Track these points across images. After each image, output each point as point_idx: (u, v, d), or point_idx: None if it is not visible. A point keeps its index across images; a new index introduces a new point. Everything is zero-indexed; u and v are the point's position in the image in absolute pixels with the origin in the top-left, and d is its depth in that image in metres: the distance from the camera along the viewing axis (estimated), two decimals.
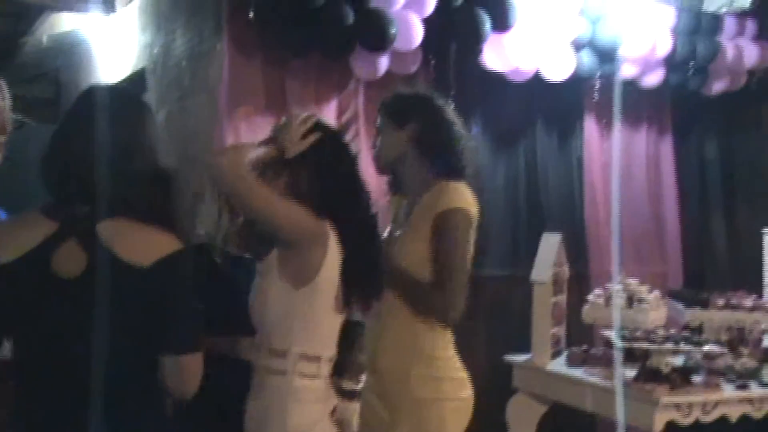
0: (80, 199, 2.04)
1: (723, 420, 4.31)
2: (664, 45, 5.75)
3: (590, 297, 4.96)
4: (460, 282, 2.77)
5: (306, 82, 4.96)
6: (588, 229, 6.14)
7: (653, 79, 6.00)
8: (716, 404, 4.25)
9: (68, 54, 7.57)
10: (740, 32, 6.19)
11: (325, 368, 2.48)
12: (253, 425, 2.48)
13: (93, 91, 2.19)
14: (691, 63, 5.95)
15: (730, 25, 6.12)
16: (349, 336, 2.67)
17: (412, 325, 2.81)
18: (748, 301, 4.98)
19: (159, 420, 2.18)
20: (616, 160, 6.09)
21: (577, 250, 5.89)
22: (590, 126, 6.15)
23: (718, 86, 6.28)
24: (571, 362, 4.76)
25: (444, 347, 2.86)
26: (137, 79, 6.04)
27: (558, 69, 5.45)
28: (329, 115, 4.92)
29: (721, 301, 4.94)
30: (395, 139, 2.92)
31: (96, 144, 2.03)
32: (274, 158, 2.46)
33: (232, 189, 2.36)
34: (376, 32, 4.70)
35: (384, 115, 2.99)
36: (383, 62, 4.89)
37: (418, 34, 4.86)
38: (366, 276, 2.53)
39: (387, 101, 3.02)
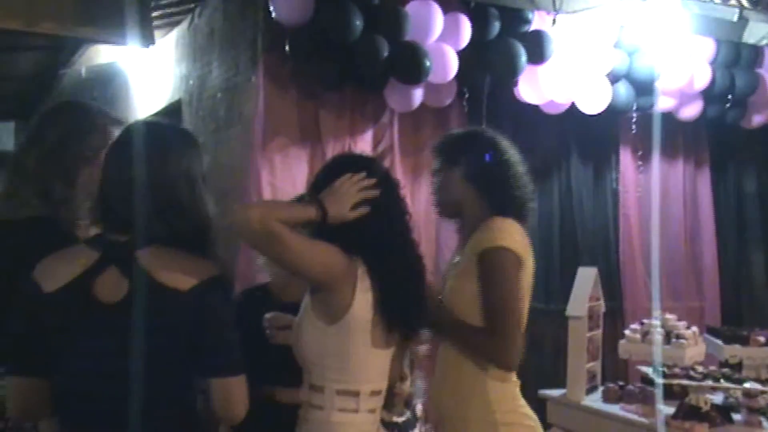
0: (120, 229, 2.09)
1: None
2: (702, 77, 5.70)
3: (627, 332, 4.90)
4: (513, 324, 2.63)
5: (340, 113, 4.98)
6: (622, 263, 6.09)
7: (691, 111, 5.94)
8: None
9: (105, 85, 7.68)
10: None
11: (368, 402, 2.45)
12: None
13: (136, 125, 2.25)
14: (730, 96, 5.89)
15: None
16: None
17: (470, 369, 2.73)
18: None
19: None
20: (655, 194, 6.02)
21: (611, 284, 5.83)
22: (626, 159, 6.12)
23: (757, 119, 6.22)
24: (607, 398, 4.68)
25: (504, 392, 2.75)
26: (173, 111, 6.09)
27: (594, 101, 5.42)
28: (364, 146, 4.93)
29: (761, 338, 4.84)
30: (450, 178, 2.82)
31: (135, 176, 2.08)
32: (313, 220, 2.37)
33: (257, 243, 2.31)
34: (410, 65, 4.70)
35: (437, 156, 2.89)
36: (418, 94, 4.89)
37: (452, 66, 4.86)
38: (404, 313, 2.49)
39: (438, 142, 2.93)
